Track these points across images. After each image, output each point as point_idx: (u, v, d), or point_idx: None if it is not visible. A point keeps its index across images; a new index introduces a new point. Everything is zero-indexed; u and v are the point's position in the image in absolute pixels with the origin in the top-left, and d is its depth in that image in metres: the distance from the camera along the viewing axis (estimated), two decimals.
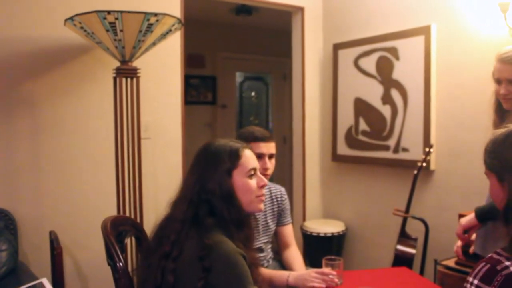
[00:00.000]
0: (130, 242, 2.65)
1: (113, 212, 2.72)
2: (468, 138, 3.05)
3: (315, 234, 3.78)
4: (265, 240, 2.34)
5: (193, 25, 4.27)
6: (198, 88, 6.21)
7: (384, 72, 3.58)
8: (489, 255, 1.20)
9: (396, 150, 3.50)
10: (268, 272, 2.08)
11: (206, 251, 1.39)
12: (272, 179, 2.32)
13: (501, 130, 1.33)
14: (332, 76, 4.02)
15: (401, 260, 2.99)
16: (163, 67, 3.38)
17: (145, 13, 2.49)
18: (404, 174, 3.37)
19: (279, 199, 2.39)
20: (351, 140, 3.87)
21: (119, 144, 2.78)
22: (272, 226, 2.37)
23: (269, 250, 2.41)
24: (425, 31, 3.26)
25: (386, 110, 3.57)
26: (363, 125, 3.77)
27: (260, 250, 2.30)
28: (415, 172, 3.13)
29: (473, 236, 2.04)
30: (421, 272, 3.09)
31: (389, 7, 3.57)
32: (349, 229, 3.94)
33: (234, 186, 1.56)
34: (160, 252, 1.46)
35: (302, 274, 1.99)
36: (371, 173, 3.77)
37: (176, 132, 3.47)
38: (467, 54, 3.06)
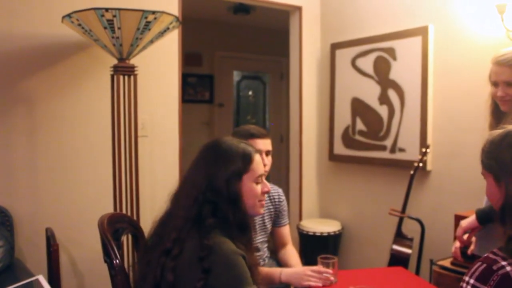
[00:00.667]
0: (126, 240, 2.65)
1: (110, 209, 2.72)
2: (464, 139, 3.06)
3: (312, 234, 3.78)
4: (262, 240, 2.35)
5: (191, 23, 4.26)
6: (196, 86, 6.21)
7: (382, 72, 3.58)
8: (485, 255, 1.21)
9: (392, 150, 3.51)
10: (261, 269, 2.08)
11: (206, 252, 1.38)
12: (268, 178, 2.32)
13: (499, 131, 1.33)
14: (329, 76, 4.03)
15: (397, 260, 3.00)
16: (160, 65, 3.38)
17: (143, 11, 2.48)
18: (401, 174, 3.38)
19: (276, 200, 2.40)
20: (348, 140, 3.88)
21: (116, 142, 2.77)
22: (269, 226, 2.38)
23: (266, 249, 2.42)
24: (422, 31, 3.27)
25: (383, 110, 3.58)
26: (360, 125, 3.78)
27: (257, 249, 2.31)
28: (412, 172, 3.14)
29: (472, 238, 2.04)
30: (417, 272, 3.10)
31: (387, 8, 3.57)
32: (345, 229, 3.95)
33: (242, 189, 1.55)
34: (161, 249, 1.45)
35: (296, 272, 1.99)
36: (368, 173, 3.78)
37: (173, 130, 3.46)
38: (464, 55, 3.07)
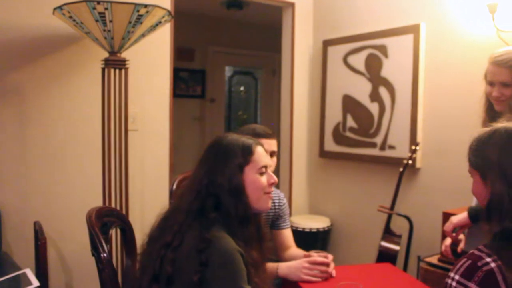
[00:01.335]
0: (115, 233, 2.64)
1: (98, 203, 2.71)
2: (454, 137, 3.08)
3: (301, 230, 3.80)
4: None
5: (183, 18, 4.25)
6: (187, 81, 6.19)
7: (373, 70, 3.59)
8: (470, 252, 1.22)
9: (382, 148, 3.52)
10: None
11: (204, 244, 1.38)
12: None
13: (486, 129, 1.34)
14: (321, 73, 4.03)
15: (385, 256, 3.02)
16: (152, 59, 3.37)
17: (135, 4, 2.47)
18: (390, 171, 3.40)
19: (276, 204, 2.33)
20: (339, 136, 3.89)
21: (106, 136, 2.76)
22: (266, 230, 2.32)
23: None
24: (414, 29, 3.28)
25: (374, 108, 3.59)
26: (350, 122, 3.79)
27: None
28: (401, 169, 3.16)
29: (461, 236, 2.06)
30: (405, 268, 3.12)
31: (379, 5, 3.58)
32: (334, 225, 3.97)
33: (245, 182, 1.54)
34: (162, 242, 1.45)
35: (293, 265, 1.95)
36: (358, 170, 3.79)
37: (164, 124, 3.46)
38: (455, 54, 3.08)
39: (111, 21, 2.49)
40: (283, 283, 2.01)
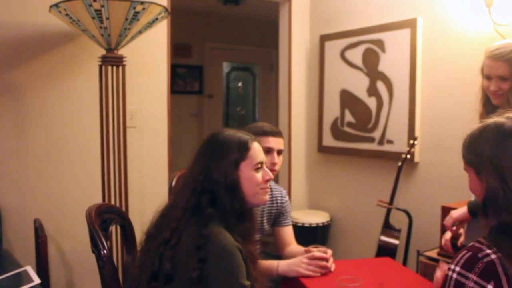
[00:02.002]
0: (115, 230, 2.65)
1: (98, 200, 2.71)
2: (452, 131, 3.08)
3: (300, 225, 3.80)
4: (256, 239, 2.31)
5: (180, 14, 4.24)
6: (185, 77, 6.19)
7: (370, 64, 3.59)
8: (471, 244, 1.22)
9: (381, 142, 3.53)
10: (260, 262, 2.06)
11: (202, 241, 1.38)
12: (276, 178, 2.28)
13: (478, 125, 1.35)
14: (318, 68, 4.03)
15: (385, 250, 3.03)
16: (149, 56, 3.36)
17: (132, 1, 2.47)
18: (389, 166, 3.40)
19: (278, 201, 2.33)
20: (337, 131, 3.89)
21: (104, 133, 2.76)
22: (267, 227, 2.32)
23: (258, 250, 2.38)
24: (411, 24, 3.28)
25: (371, 102, 3.60)
26: (348, 117, 3.79)
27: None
28: (399, 164, 3.16)
29: (461, 230, 2.06)
30: (404, 262, 3.13)
31: (376, 0, 3.57)
32: (333, 220, 3.97)
33: (240, 178, 1.54)
34: (160, 239, 1.46)
35: (292, 262, 1.97)
36: (356, 165, 3.80)
37: (162, 121, 3.45)
38: (452, 48, 3.08)
39: (107, 18, 2.49)
40: (283, 280, 2.02)
